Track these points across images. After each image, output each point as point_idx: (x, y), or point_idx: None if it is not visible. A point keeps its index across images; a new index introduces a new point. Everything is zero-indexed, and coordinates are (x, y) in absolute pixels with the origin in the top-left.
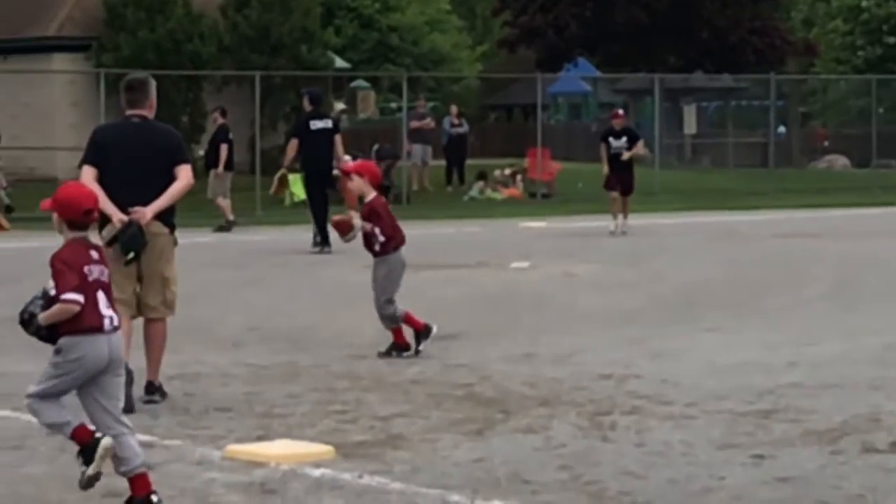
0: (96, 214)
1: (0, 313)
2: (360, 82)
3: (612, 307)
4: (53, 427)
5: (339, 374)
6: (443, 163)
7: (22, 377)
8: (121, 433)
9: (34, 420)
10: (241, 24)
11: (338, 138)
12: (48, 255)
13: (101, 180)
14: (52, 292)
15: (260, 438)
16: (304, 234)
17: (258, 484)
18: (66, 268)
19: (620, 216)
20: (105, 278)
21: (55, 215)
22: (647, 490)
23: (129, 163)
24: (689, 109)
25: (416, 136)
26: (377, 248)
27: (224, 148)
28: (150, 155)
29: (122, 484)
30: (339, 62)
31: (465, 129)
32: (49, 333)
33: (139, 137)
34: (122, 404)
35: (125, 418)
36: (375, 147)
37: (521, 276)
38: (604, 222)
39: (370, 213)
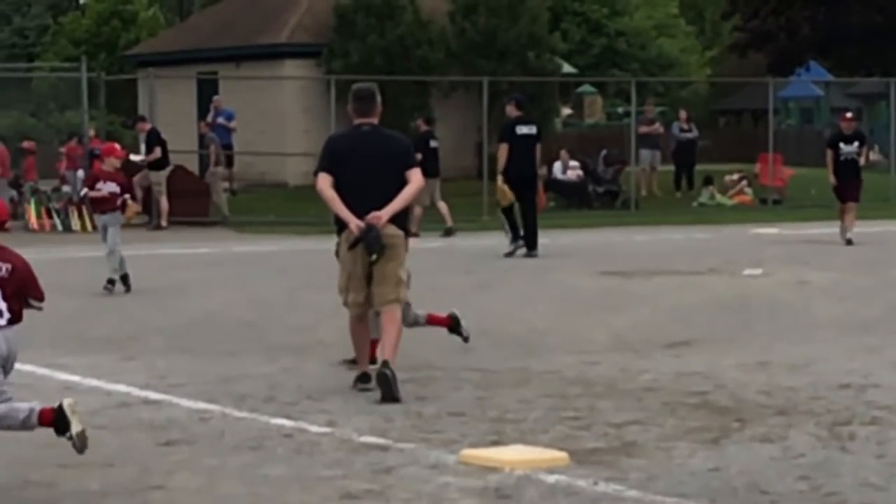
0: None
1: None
2: (587, 87)
3: (848, 315)
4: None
5: (571, 379)
6: (671, 168)
7: (260, 379)
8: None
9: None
10: (469, 29)
11: (538, 145)
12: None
13: (336, 187)
14: None
15: (493, 443)
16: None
17: (493, 489)
18: None
19: (849, 224)
20: (5, 274)
21: None
22: (889, 502)
23: (362, 170)
24: None
25: (645, 140)
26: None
27: (419, 157)
28: (382, 161)
29: (360, 486)
30: (567, 67)
31: (694, 133)
32: None
33: (370, 145)
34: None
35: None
36: (603, 152)
37: (753, 283)
38: (837, 229)
39: None
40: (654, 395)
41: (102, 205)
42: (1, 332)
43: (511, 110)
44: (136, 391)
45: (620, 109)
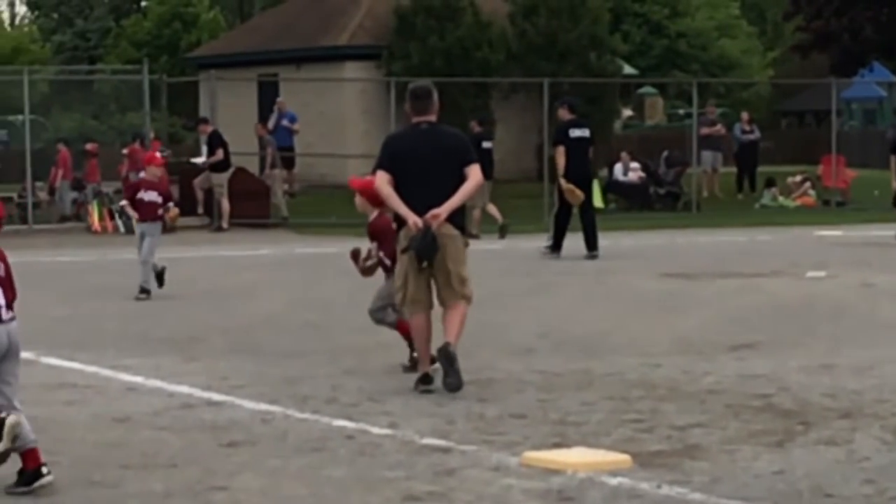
0: None
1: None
2: (648, 89)
3: None
4: None
5: (633, 382)
6: (733, 170)
7: (322, 380)
8: (16, 412)
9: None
10: (530, 31)
11: (591, 147)
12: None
13: (395, 185)
14: None
15: (556, 445)
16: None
17: (555, 491)
18: None
19: None
20: (2, 273)
21: None
22: None
23: (421, 167)
24: None
25: (707, 142)
26: (389, 264)
27: None
28: (440, 158)
29: (422, 488)
30: (627, 69)
31: (756, 135)
32: None
33: (429, 142)
34: (14, 388)
35: (17, 402)
36: (665, 154)
37: (817, 285)
38: None
39: (374, 234)
40: (717, 397)
41: (143, 213)
42: (3, 325)
43: (563, 113)
44: (198, 392)
45: (682, 111)
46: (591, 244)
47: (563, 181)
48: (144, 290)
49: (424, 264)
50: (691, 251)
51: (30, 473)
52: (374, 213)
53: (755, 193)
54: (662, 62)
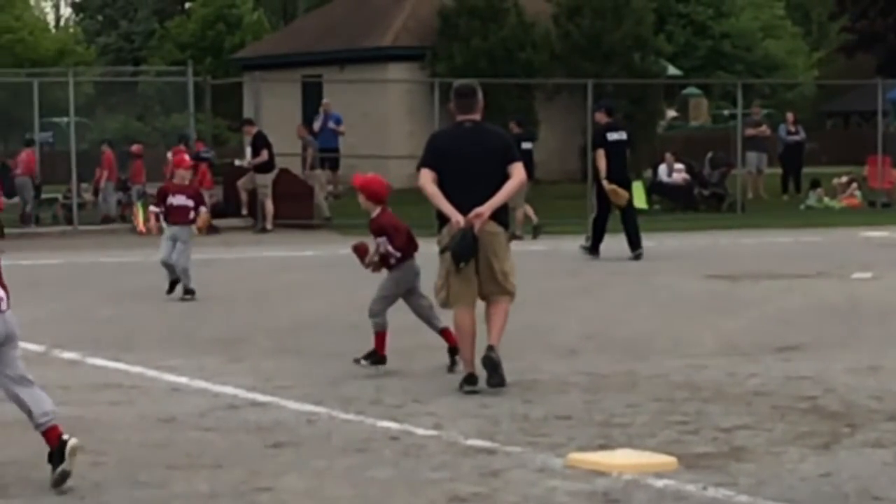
0: None
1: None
2: (692, 89)
3: None
4: None
5: (678, 384)
6: (778, 171)
7: (366, 381)
8: (29, 386)
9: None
10: (573, 32)
11: (628, 150)
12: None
13: (439, 184)
14: None
15: (601, 447)
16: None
17: (601, 493)
18: None
19: None
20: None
21: None
22: None
23: (465, 165)
24: None
25: (751, 143)
26: (393, 261)
27: None
28: (484, 157)
29: (467, 489)
30: (672, 69)
31: (801, 136)
32: None
33: (473, 140)
34: (17, 370)
35: (26, 374)
36: (709, 155)
37: (863, 286)
38: None
39: (378, 230)
40: (763, 399)
41: (174, 217)
42: (0, 315)
43: (601, 117)
44: (243, 393)
45: (726, 112)
46: (635, 243)
47: (605, 183)
48: (189, 291)
49: (462, 265)
50: (736, 252)
51: (57, 451)
52: (376, 211)
53: (800, 195)
54: (707, 63)
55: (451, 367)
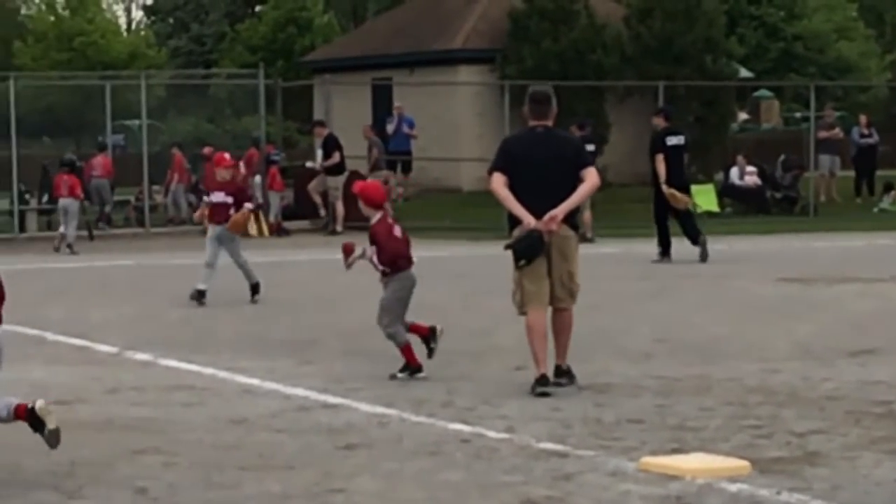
0: None
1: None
2: (763, 92)
3: None
4: None
5: (752, 387)
6: (851, 173)
7: (437, 384)
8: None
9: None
10: (645, 34)
11: (686, 154)
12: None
13: (511, 186)
14: None
15: (674, 451)
16: (711, 245)
17: (674, 497)
18: None
19: None
20: None
21: None
22: None
23: (537, 170)
24: None
25: (824, 146)
26: (381, 269)
27: None
28: (555, 162)
29: (540, 492)
30: (743, 72)
31: (874, 139)
32: None
33: (545, 146)
34: None
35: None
36: (782, 157)
37: None
38: None
39: (370, 239)
40: (837, 403)
41: (214, 215)
42: None
43: (659, 122)
44: (314, 395)
45: (798, 114)
46: (693, 237)
47: (665, 187)
48: (256, 290)
49: (522, 263)
50: (808, 256)
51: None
52: (375, 217)
53: (873, 198)
54: (779, 65)
55: (429, 353)
